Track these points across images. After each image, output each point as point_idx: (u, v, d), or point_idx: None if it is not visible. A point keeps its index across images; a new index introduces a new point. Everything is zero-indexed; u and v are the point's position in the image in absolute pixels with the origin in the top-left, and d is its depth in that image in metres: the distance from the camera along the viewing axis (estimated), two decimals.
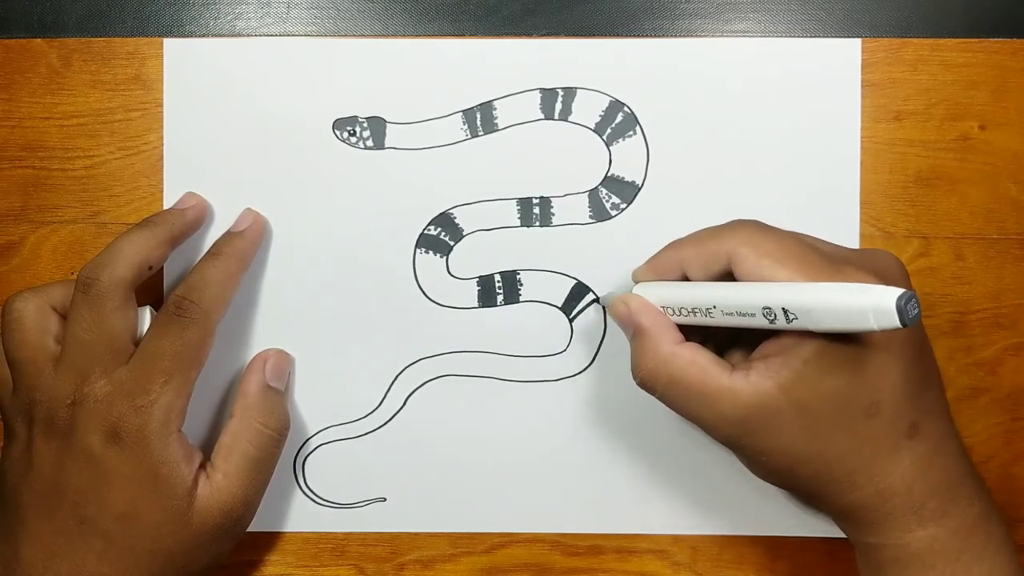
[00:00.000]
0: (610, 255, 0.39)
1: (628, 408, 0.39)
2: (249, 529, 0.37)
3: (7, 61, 0.39)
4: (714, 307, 0.31)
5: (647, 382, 0.32)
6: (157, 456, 0.33)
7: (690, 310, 0.32)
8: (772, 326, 0.30)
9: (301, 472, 0.39)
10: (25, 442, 0.34)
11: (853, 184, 0.38)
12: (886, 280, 0.31)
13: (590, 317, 0.39)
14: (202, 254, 0.37)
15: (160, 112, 0.39)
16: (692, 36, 0.39)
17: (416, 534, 0.39)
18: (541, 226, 0.39)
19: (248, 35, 0.39)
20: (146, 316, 0.35)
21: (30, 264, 0.39)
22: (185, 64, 0.39)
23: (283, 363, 0.38)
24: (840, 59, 0.38)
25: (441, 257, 0.39)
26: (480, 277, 0.39)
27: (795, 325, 0.29)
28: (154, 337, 0.34)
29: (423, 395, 0.39)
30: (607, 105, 0.39)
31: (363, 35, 0.39)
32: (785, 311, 0.29)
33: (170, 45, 0.39)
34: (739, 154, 0.38)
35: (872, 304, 0.27)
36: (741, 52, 0.38)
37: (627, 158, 0.39)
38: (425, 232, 0.39)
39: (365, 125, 0.39)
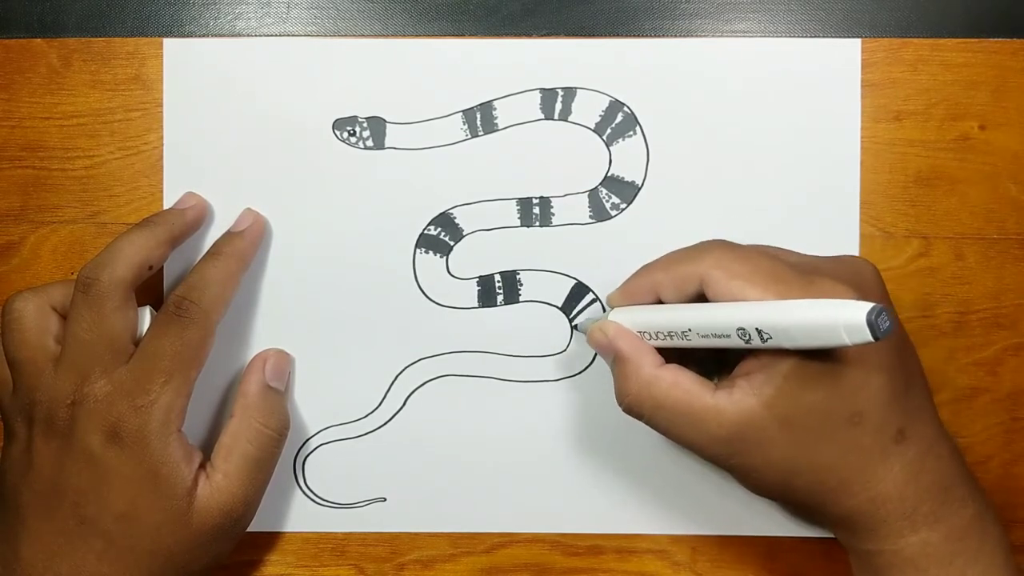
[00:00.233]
0: (610, 255, 0.39)
1: None
2: (249, 529, 0.37)
3: (7, 61, 0.39)
4: (689, 330, 0.31)
5: (633, 408, 0.32)
6: (157, 456, 0.33)
7: (667, 333, 0.32)
8: (748, 346, 0.30)
9: (301, 472, 0.39)
10: (25, 442, 0.34)
11: (853, 184, 0.38)
12: (860, 287, 0.31)
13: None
14: (202, 254, 0.37)
15: (160, 112, 0.39)
16: (692, 36, 0.39)
17: (416, 534, 0.39)
18: (541, 226, 0.39)
19: (248, 35, 0.39)
20: (146, 316, 0.35)
21: (30, 264, 0.39)
22: (185, 64, 0.39)
23: (283, 363, 0.38)
24: (840, 59, 0.38)
25: (441, 257, 0.39)
26: (480, 277, 0.39)
27: (770, 344, 0.29)
28: (154, 337, 0.34)
29: (423, 395, 0.39)
30: (607, 105, 0.39)
31: (363, 35, 0.39)
32: (759, 331, 0.29)
33: (170, 45, 0.39)
34: (739, 154, 0.38)
35: (843, 320, 0.26)
36: (741, 52, 0.38)
37: (627, 158, 0.39)
38: (425, 232, 0.39)
39: (365, 125, 0.39)
